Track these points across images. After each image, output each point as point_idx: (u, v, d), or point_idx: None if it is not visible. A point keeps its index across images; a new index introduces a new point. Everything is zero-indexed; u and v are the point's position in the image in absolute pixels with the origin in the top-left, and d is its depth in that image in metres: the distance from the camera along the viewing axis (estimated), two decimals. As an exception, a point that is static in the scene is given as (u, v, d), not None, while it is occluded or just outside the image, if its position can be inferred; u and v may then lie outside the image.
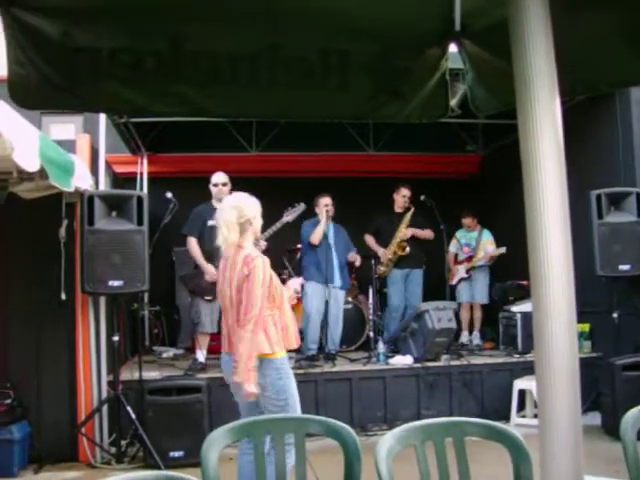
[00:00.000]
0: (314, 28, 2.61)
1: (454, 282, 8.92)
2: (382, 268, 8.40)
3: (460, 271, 8.88)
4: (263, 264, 3.94)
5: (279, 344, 4.01)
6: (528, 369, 7.01)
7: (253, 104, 2.81)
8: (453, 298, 8.83)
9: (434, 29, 2.71)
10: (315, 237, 7.75)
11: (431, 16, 2.67)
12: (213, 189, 7.16)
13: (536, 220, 2.01)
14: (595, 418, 6.59)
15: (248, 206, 4.11)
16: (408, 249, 8.30)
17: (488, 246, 8.84)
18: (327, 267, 7.68)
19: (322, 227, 7.73)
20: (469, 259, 8.88)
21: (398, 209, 8.52)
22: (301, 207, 7.23)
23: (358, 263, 8.17)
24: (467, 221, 9.01)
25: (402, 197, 8.44)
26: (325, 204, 7.83)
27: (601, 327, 7.23)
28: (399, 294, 8.41)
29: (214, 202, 7.10)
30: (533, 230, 2.02)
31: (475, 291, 8.86)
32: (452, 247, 9.11)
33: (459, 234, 9.05)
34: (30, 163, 4.53)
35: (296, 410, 4.00)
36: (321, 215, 7.81)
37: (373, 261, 8.45)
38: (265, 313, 3.94)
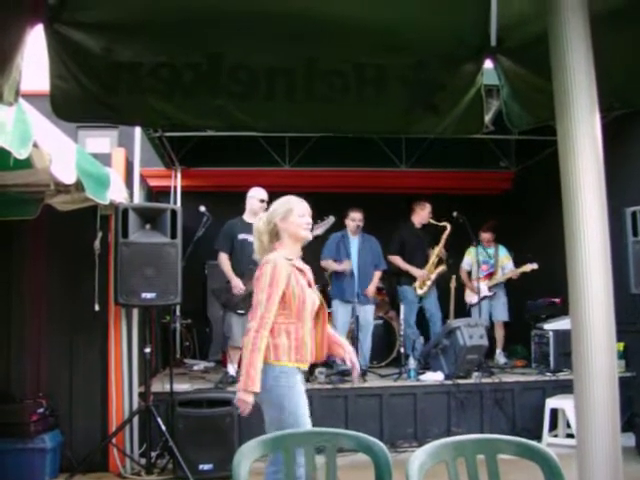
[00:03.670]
0: (350, 42, 2.63)
1: (475, 301, 8.52)
2: (419, 291, 8.22)
3: (482, 289, 8.53)
4: (273, 269, 3.73)
5: (287, 353, 3.72)
6: (560, 388, 6.93)
7: (290, 118, 2.81)
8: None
9: (470, 44, 2.71)
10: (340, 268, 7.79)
11: (467, 31, 2.67)
12: (257, 204, 7.05)
13: (575, 236, 1.99)
14: (629, 439, 6.43)
15: (274, 209, 4.01)
16: (448, 262, 8.33)
17: (507, 262, 8.70)
18: (348, 283, 7.70)
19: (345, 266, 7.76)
20: (489, 276, 8.67)
21: (419, 224, 8.43)
22: (330, 220, 7.20)
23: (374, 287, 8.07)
24: (487, 236, 8.75)
25: (428, 212, 8.35)
26: (353, 219, 7.84)
27: (635, 346, 7.11)
28: (413, 312, 8.28)
29: (246, 217, 7.12)
30: (572, 247, 2.01)
31: (495, 309, 8.67)
32: (466, 264, 8.86)
33: (474, 250, 8.50)
34: (67, 175, 4.60)
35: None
36: (349, 229, 7.82)
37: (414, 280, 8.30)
38: (278, 321, 3.72)
